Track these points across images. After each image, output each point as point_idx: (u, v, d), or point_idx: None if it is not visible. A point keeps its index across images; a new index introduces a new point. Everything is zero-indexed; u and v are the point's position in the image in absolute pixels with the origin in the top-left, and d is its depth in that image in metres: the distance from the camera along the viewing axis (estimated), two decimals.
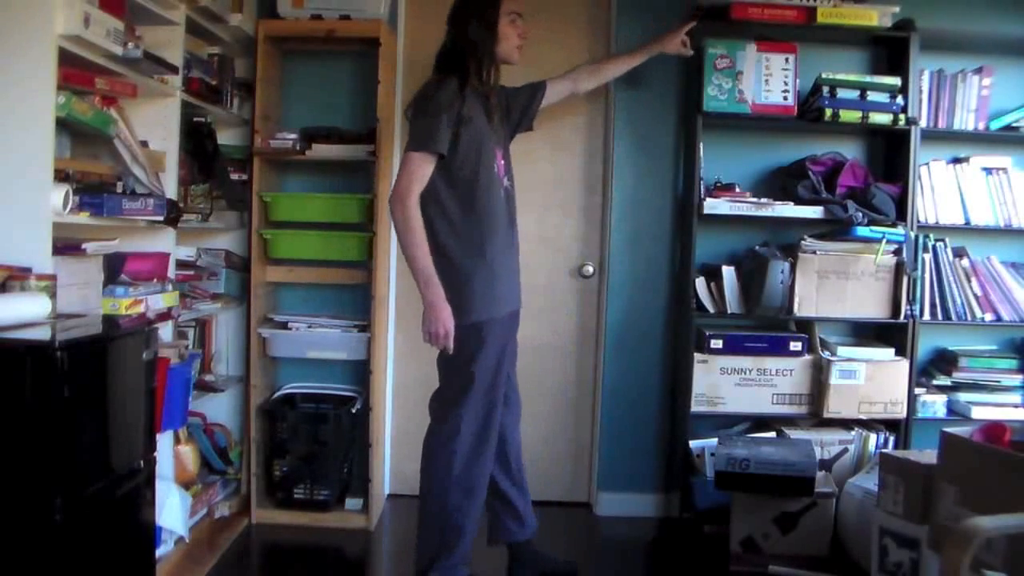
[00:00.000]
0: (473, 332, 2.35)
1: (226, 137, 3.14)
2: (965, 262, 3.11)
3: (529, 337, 3.10)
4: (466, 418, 2.37)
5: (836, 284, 3.00)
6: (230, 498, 3.09)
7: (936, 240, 3.11)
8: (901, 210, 3.02)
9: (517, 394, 2.63)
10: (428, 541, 2.43)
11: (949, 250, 3.11)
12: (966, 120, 3.10)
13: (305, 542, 2.97)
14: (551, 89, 2.69)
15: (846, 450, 3.02)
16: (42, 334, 1.81)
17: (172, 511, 2.52)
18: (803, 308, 3.00)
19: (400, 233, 2.32)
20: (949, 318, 3.08)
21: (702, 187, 3.04)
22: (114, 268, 2.36)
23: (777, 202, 3.03)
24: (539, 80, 2.68)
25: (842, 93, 3.00)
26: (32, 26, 1.96)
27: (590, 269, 3.35)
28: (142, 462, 2.06)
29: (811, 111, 3.05)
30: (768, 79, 3.00)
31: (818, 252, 3.00)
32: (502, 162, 2.46)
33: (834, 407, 3.00)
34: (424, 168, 2.30)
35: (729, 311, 3.04)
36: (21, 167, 1.98)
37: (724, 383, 3.03)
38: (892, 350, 3.06)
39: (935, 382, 3.17)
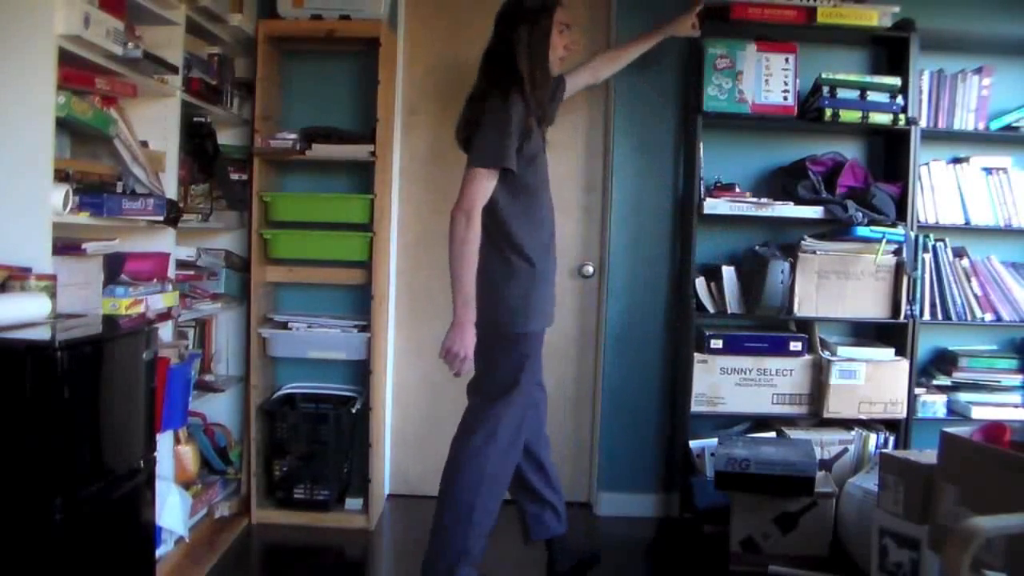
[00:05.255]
0: (524, 340, 2.38)
1: (226, 137, 3.14)
2: (965, 262, 3.11)
3: None
4: (504, 421, 2.37)
5: (836, 284, 3.00)
6: (230, 498, 3.09)
7: (936, 240, 3.11)
8: (901, 210, 3.02)
9: (544, 393, 2.67)
10: (450, 543, 2.35)
11: (949, 250, 3.11)
12: (966, 120, 3.10)
13: (305, 542, 2.97)
14: (571, 83, 2.73)
15: (846, 450, 3.02)
16: (42, 334, 1.81)
17: (172, 511, 2.52)
18: (803, 308, 3.00)
19: (456, 246, 2.27)
20: (949, 318, 3.08)
21: (702, 187, 3.04)
22: (114, 268, 2.36)
23: (777, 202, 3.03)
24: (558, 75, 2.63)
25: (842, 93, 3.00)
26: (32, 26, 1.96)
27: (590, 269, 3.35)
28: (142, 462, 2.06)
29: (811, 111, 3.05)
30: (768, 79, 3.00)
31: (818, 252, 3.00)
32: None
33: (834, 407, 3.00)
34: (490, 184, 2.29)
35: (729, 311, 3.04)
36: (21, 167, 1.98)
37: (724, 383, 3.03)
38: (892, 350, 3.06)
39: (935, 382, 3.17)
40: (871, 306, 3.02)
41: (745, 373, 3.03)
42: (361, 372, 3.21)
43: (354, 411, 3.12)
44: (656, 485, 3.29)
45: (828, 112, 2.98)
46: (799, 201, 3.01)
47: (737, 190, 3.08)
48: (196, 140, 2.88)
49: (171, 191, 2.58)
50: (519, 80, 2.32)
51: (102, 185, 2.33)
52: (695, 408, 3.03)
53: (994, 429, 2.24)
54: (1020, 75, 3.20)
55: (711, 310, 3.06)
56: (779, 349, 3.05)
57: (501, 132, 2.26)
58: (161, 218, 2.40)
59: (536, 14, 2.37)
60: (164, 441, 2.51)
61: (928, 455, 2.38)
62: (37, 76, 1.97)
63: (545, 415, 2.69)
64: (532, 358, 2.42)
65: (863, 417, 3.03)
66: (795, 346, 3.05)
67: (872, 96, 3.00)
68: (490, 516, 2.39)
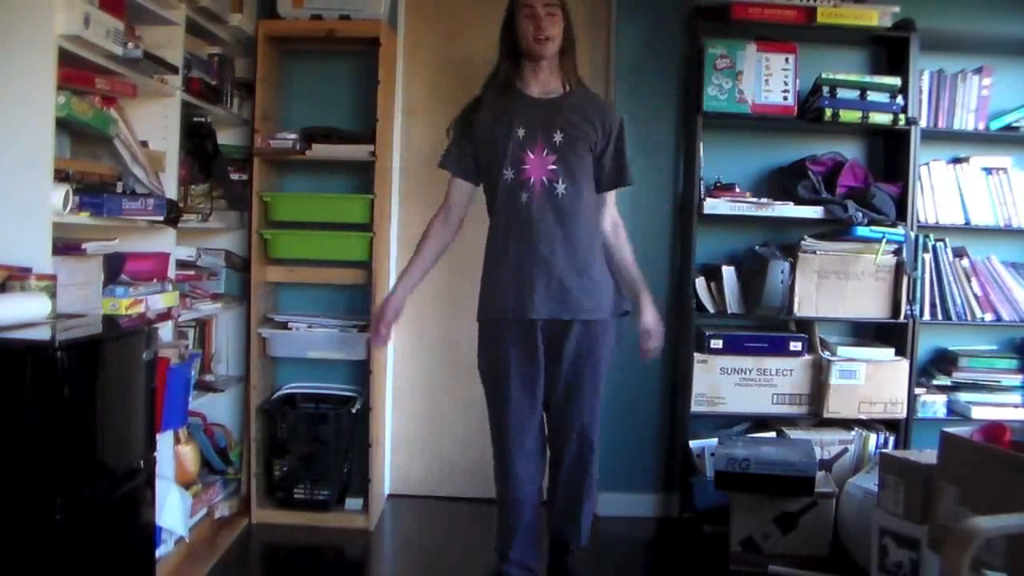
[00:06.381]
0: (481, 330, 2.45)
1: (226, 137, 3.14)
2: (965, 262, 3.11)
3: None
4: (488, 415, 2.45)
5: (836, 284, 3.00)
6: (230, 498, 3.09)
7: (936, 240, 3.11)
8: (901, 210, 3.02)
9: (579, 421, 2.41)
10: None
11: (949, 250, 3.11)
12: (966, 120, 3.10)
13: (305, 542, 2.97)
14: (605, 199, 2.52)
15: (846, 450, 3.02)
16: (42, 334, 1.81)
17: (172, 511, 2.52)
18: (803, 308, 3.00)
19: None
20: (949, 318, 3.08)
21: (702, 187, 3.04)
22: (114, 268, 2.36)
23: (777, 202, 3.03)
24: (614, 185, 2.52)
25: (842, 93, 3.00)
26: (32, 26, 1.96)
27: None
28: (142, 462, 2.06)
29: (811, 111, 3.05)
30: (768, 79, 3.00)
31: (818, 252, 3.00)
32: (529, 166, 2.33)
33: (834, 407, 3.00)
34: (450, 185, 2.45)
35: (729, 311, 3.04)
36: (21, 167, 1.98)
37: (724, 383, 3.03)
38: (892, 350, 3.06)
39: (935, 382, 3.17)
40: (871, 306, 3.02)
41: (745, 373, 3.03)
42: (361, 372, 3.21)
43: (354, 411, 3.12)
44: (656, 485, 3.29)
45: (828, 112, 2.98)
46: (799, 201, 3.01)
47: (737, 190, 3.08)
48: (196, 140, 2.88)
49: (171, 191, 2.58)
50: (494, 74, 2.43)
51: (102, 185, 2.33)
52: (695, 408, 3.03)
53: (994, 429, 2.24)
54: (1020, 75, 3.20)
55: (711, 310, 3.06)
56: (779, 349, 3.05)
57: (449, 137, 2.46)
58: (161, 218, 2.40)
59: (507, 9, 2.40)
60: (164, 441, 2.51)
61: (928, 455, 2.38)
62: (37, 76, 1.97)
63: (574, 439, 2.42)
64: (489, 353, 2.40)
65: (863, 417, 3.03)
66: (795, 346, 3.05)
67: (872, 96, 3.00)
68: (506, 512, 2.43)
